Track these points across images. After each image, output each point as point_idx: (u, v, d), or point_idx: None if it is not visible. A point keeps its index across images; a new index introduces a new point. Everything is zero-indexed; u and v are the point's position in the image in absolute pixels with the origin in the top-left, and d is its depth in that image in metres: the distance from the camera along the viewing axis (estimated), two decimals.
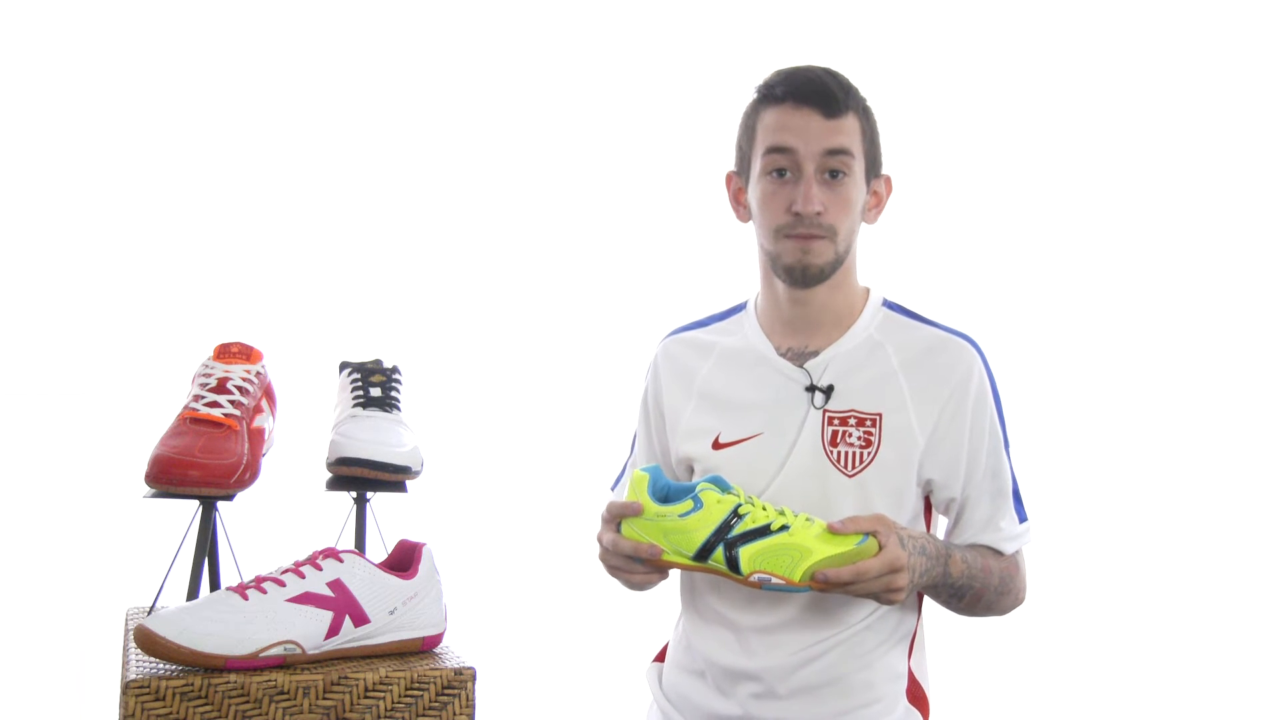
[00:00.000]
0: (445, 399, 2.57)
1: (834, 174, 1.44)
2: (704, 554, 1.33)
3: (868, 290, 1.56)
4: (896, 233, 1.77)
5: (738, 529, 1.32)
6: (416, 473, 1.53)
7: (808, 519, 1.34)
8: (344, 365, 1.65)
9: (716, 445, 1.52)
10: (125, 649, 1.30)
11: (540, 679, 2.70)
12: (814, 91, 1.44)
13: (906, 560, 1.32)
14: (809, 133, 1.43)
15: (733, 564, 1.32)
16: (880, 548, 1.31)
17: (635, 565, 1.37)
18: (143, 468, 1.33)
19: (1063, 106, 2.94)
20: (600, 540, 1.40)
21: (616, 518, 1.37)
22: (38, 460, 2.56)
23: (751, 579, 1.31)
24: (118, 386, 2.60)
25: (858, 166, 1.46)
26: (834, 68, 1.50)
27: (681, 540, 1.33)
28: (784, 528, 1.31)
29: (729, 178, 1.57)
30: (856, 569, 1.29)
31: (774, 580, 1.30)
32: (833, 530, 1.32)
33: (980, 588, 1.47)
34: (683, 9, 2.90)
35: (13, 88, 2.60)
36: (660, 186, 2.88)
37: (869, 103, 1.50)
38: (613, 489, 1.71)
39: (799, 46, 2.67)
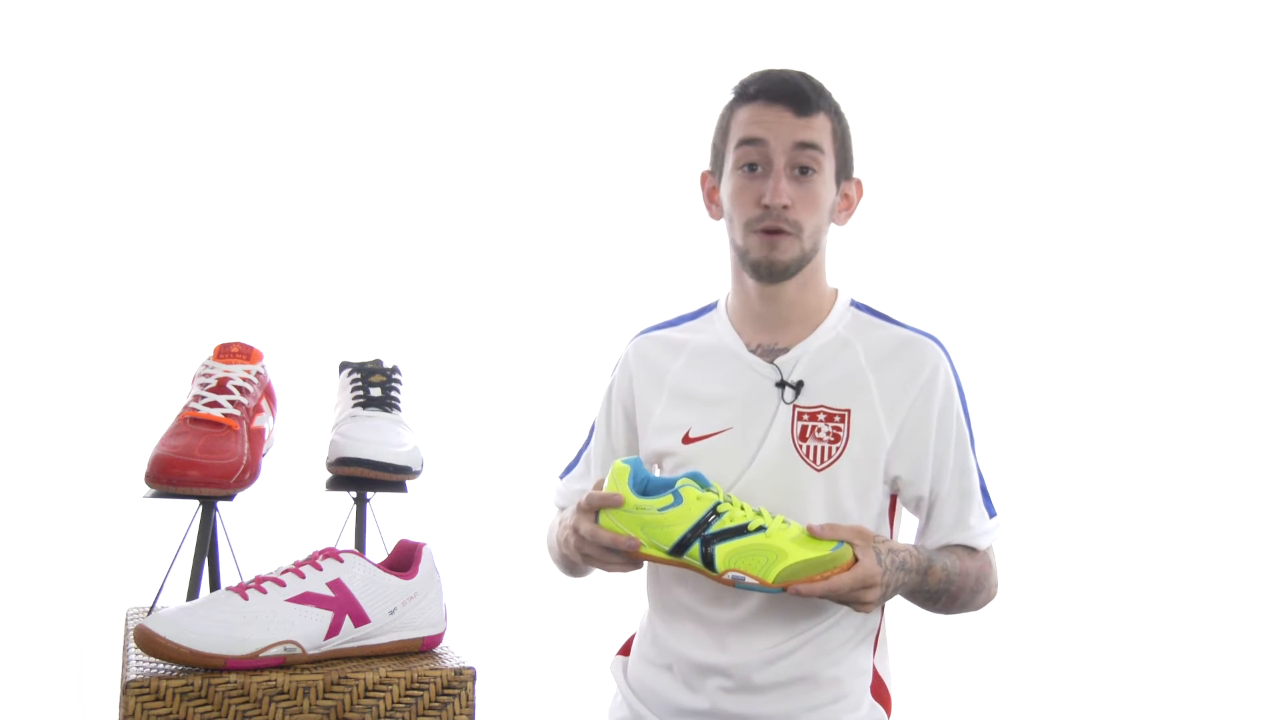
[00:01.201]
0: (445, 399, 2.57)
1: (804, 170, 1.47)
2: (680, 549, 1.34)
3: (836, 291, 1.58)
4: (866, 235, 1.78)
5: (715, 526, 1.32)
6: (416, 473, 1.53)
7: (784, 521, 1.35)
8: (344, 365, 1.65)
9: (687, 440, 1.53)
10: (125, 649, 1.30)
11: (541, 679, 2.70)
12: (786, 91, 1.47)
13: (880, 577, 1.34)
14: (780, 127, 1.46)
15: (708, 560, 1.32)
16: (855, 560, 1.33)
17: (611, 556, 1.38)
18: (143, 468, 1.33)
19: (1031, 107, 2.95)
20: (577, 529, 1.40)
21: (595, 508, 1.37)
22: (38, 460, 2.56)
23: (726, 577, 1.32)
24: (118, 386, 2.60)
25: (828, 165, 1.49)
26: (807, 71, 1.53)
27: (659, 534, 1.34)
28: (761, 529, 1.32)
29: (703, 177, 1.60)
30: (828, 585, 1.31)
31: (748, 579, 1.31)
32: (811, 533, 1.34)
33: (956, 590, 1.49)
34: (663, 12, 2.90)
35: (13, 88, 2.60)
36: (659, 187, 2.88)
37: (841, 107, 1.53)
38: (561, 477, 1.72)
39: (772, 50, 2.68)
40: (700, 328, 1.61)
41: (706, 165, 1.59)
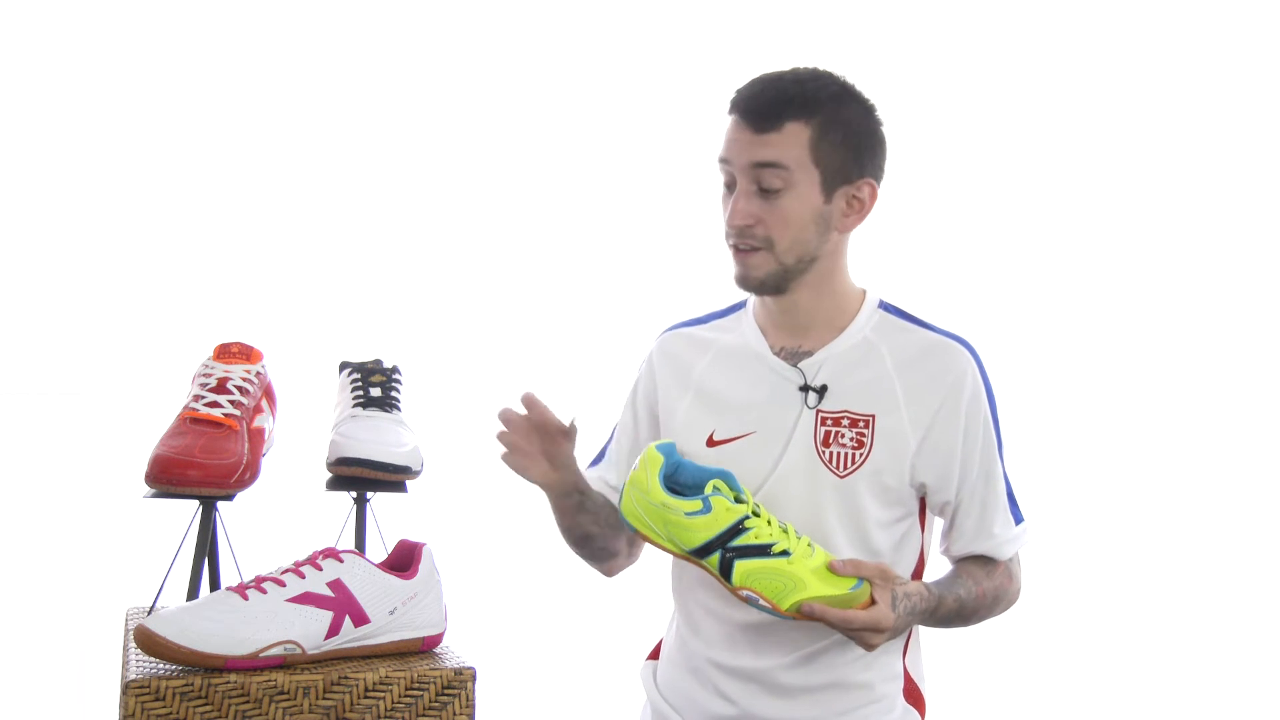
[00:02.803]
0: (445, 399, 2.57)
1: (768, 188, 1.43)
2: (700, 553, 1.33)
3: (864, 292, 1.56)
4: (892, 235, 1.77)
5: (739, 540, 1.31)
6: (416, 472, 1.53)
7: (809, 546, 1.34)
8: (344, 365, 1.65)
9: (710, 443, 1.52)
10: (125, 649, 1.30)
11: (540, 679, 2.70)
12: (749, 106, 1.43)
13: (891, 623, 1.34)
14: (739, 146, 1.43)
15: (725, 571, 1.32)
16: (872, 601, 1.33)
17: (530, 445, 1.45)
18: (143, 468, 1.33)
19: (1057, 110, 2.94)
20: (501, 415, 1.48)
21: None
22: (38, 460, 2.56)
23: (740, 593, 1.32)
24: (118, 386, 2.60)
25: (801, 178, 1.42)
26: (818, 67, 1.47)
27: (682, 535, 1.33)
28: (784, 553, 1.31)
29: None
30: (842, 616, 1.31)
31: (761, 601, 1.31)
32: (833, 569, 1.33)
33: (969, 614, 1.48)
34: (682, 9, 2.90)
35: (13, 88, 2.60)
36: (660, 186, 2.88)
37: (848, 106, 1.45)
38: (589, 467, 1.70)
39: (796, 46, 2.67)
40: (728, 327, 1.59)
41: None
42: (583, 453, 1.73)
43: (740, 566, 1.31)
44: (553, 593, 2.71)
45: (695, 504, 1.33)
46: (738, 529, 1.32)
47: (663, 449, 1.37)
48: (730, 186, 1.46)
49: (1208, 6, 2.90)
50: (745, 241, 1.44)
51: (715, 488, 1.34)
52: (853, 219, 1.50)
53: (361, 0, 2.80)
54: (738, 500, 1.34)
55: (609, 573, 1.68)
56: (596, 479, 1.68)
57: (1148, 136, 2.94)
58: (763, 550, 1.31)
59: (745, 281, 1.47)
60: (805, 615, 1.30)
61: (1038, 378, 2.84)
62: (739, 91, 1.46)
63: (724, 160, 1.46)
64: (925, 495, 1.50)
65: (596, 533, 1.60)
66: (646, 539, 1.38)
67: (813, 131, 1.43)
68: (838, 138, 1.44)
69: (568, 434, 1.49)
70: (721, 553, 1.32)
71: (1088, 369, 2.95)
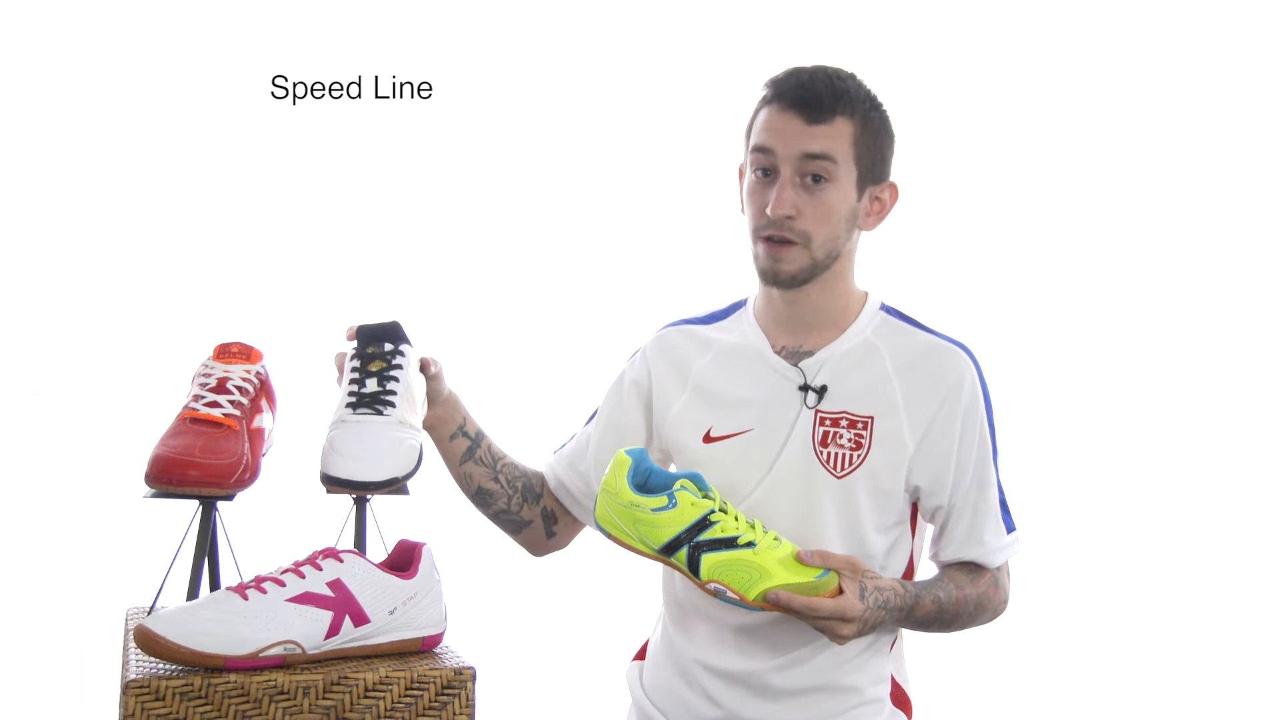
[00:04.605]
0: None
1: (815, 179, 1.43)
2: (668, 550, 1.35)
3: (866, 294, 1.56)
4: (895, 238, 1.77)
5: (706, 534, 1.33)
6: (405, 478, 1.48)
7: (775, 539, 1.36)
8: (358, 334, 1.52)
9: (707, 439, 1.52)
10: (125, 649, 1.30)
11: (540, 679, 2.70)
12: (800, 97, 1.44)
13: (859, 613, 1.33)
14: (788, 136, 1.43)
15: (693, 566, 1.34)
16: (840, 590, 1.33)
17: None
18: (143, 468, 1.33)
19: (1060, 113, 2.94)
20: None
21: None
22: (38, 460, 2.56)
23: (708, 586, 1.33)
24: (118, 386, 2.60)
25: (843, 173, 1.44)
26: (843, 68, 1.48)
27: (649, 533, 1.35)
28: (750, 544, 1.33)
29: (740, 171, 1.57)
30: (807, 603, 1.31)
31: (729, 593, 1.32)
32: (800, 559, 1.34)
33: (950, 618, 1.47)
34: (690, 6, 2.89)
35: (13, 88, 2.60)
36: (661, 185, 2.88)
37: (875, 109, 1.48)
38: (555, 452, 1.70)
39: (807, 47, 2.67)
40: (729, 327, 1.60)
41: (729, 162, 1.58)
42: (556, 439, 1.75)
43: (708, 560, 1.33)
44: (553, 593, 2.71)
45: (661, 500, 1.35)
46: (704, 523, 1.34)
47: (632, 454, 1.39)
48: (765, 173, 1.46)
49: (1209, 6, 2.90)
50: (781, 233, 1.44)
51: (682, 485, 1.35)
52: (874, 219, 1.52)
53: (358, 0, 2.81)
54: (704, 497, 1.36)
55: (533, 550, 1.68)
56: (559, 467, 1.67)
57: (1148, 138, 2.94)
58: (729, 543, 1.33)
59: (775, 276, 1.47)
60: (771, 604, 1.31)
61: (1033, 386, 2.84)
62: (781, 82, 1.46)
63: (765, 149, 1.45)
64: (918, 500, 1.50)
65: (494, 490, 1.60)
66: (620, 543, 1.39)
67: (856, 128, 1.45)
68: (872, 138, 1.47)
69: (429, 372, 1.49)
70: (689, 548, 1.33)
71: (1084, 378, 2.94)
